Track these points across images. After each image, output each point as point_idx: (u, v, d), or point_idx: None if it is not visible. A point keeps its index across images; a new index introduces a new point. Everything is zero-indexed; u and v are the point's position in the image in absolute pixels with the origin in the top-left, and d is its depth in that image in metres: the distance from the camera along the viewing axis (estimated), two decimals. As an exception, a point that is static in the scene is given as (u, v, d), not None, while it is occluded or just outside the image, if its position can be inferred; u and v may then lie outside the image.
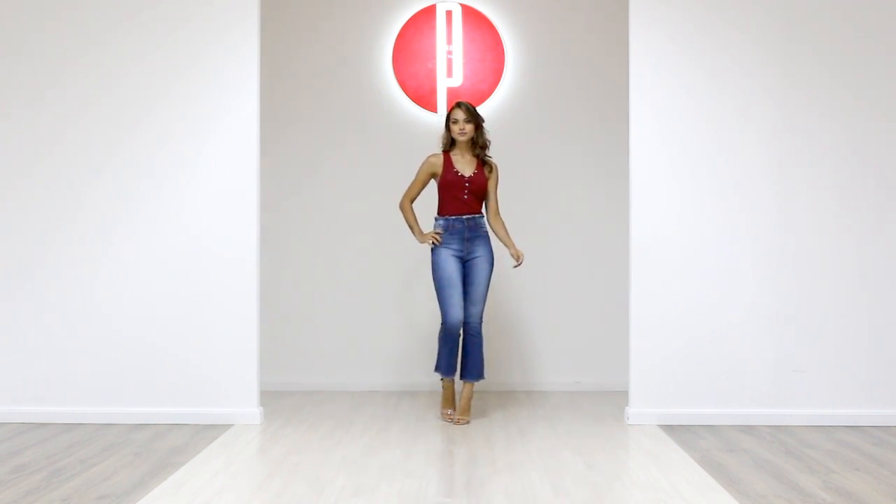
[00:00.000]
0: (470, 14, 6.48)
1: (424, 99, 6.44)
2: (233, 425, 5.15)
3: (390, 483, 4.01)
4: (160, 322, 5.21)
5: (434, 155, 5.39)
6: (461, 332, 5.34)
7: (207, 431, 4.99)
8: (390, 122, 6.48)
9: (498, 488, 3.92)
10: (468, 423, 5.26)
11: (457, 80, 6.42)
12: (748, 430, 5.09)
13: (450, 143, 5.41)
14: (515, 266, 5.40)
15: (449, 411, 5.38)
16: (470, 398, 5.39)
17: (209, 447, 4.65)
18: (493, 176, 5.43)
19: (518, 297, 6.48)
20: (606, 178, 6.39)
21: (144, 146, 5.24)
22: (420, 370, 6.35)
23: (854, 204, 5.27)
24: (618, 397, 5.95)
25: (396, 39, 6.47)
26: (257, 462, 4.49)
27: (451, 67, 6.44)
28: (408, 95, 6.46)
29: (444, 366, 5.42)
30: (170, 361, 5.23)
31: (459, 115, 5.34)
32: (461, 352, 5.42)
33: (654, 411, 5.24)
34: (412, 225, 5.40)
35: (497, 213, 5.46)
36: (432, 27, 6.46)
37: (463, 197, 5.34)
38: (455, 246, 5.33)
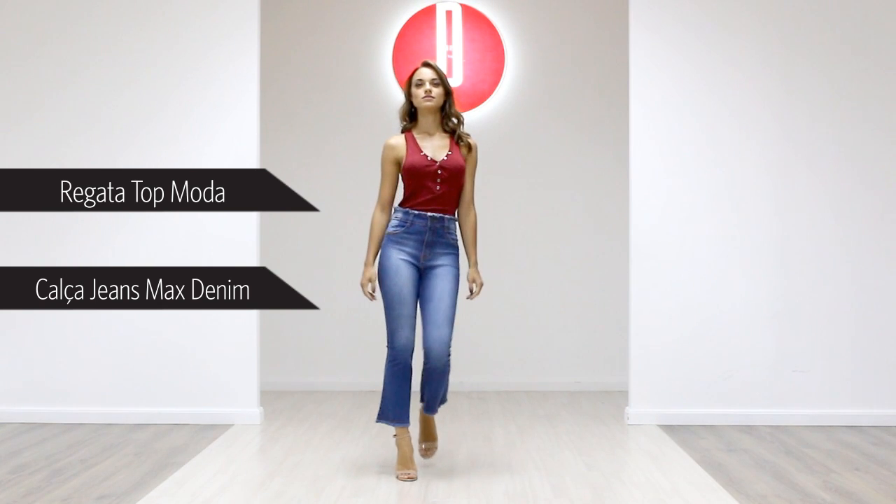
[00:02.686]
0: (470, 14, 6.48)
1: (424, 99, 6.44)
2: (233, 425, 5.15)
3: (390, 483, 4.01)
4: (160, 322, 5.22)
5: (392, 137, 4.23)
6: (412, 365, 4.18)
7: (207, 431, 4.99)
8: (390, 121, 6.45)
9: (498, 488, 3.92)
10: (433, 453, 4.37)
11: (457, 80, 6.42)
12: (748, 430, 5.09)
13: (409, 118, 4.24)
14: (469, 297, 4.24)
15: (409, 472, 4.09)
16: (428, 420, 4.35)
17: (209, 447, 4.65)
18: (472, 158, 4.22)
19: (518, 296, 6.48)
20: (606, 177, 6.39)
21: (148, 149, 5.26)
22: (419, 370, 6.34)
23: (852, 206, 5.28)
24: (618, 397, 5.95)
25: (396, 39, 6.47)
26: (257, 462, 4.49)
27: (451, 67, 6.43)
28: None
29: (392, 410, 4.15)
30: (170, 361, 5.24)
31: (426, 73, 4.15)
32: (421, 379, 4.20)
33: (654, 411, 5.24)
34: (368, 251, 4.17)
35: (471, 204, 4.25)
36: (432, 27, 6.46)
37: (434, 188, 4.12)
38: (409, 250, 4.12)
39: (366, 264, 4.17)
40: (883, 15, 5.29)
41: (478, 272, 4.24)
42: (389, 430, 5.06)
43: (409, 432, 4.18)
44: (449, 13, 6.47)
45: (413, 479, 4.07)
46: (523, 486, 3.96)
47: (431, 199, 4.12)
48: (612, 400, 5.95)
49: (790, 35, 5.29)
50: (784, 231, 5.28)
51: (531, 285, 6.47)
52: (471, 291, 4.22)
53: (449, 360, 4.12)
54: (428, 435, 4.37)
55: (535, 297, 6.49)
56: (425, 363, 4.12)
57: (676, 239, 5.28)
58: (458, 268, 4.18)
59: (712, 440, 4.86)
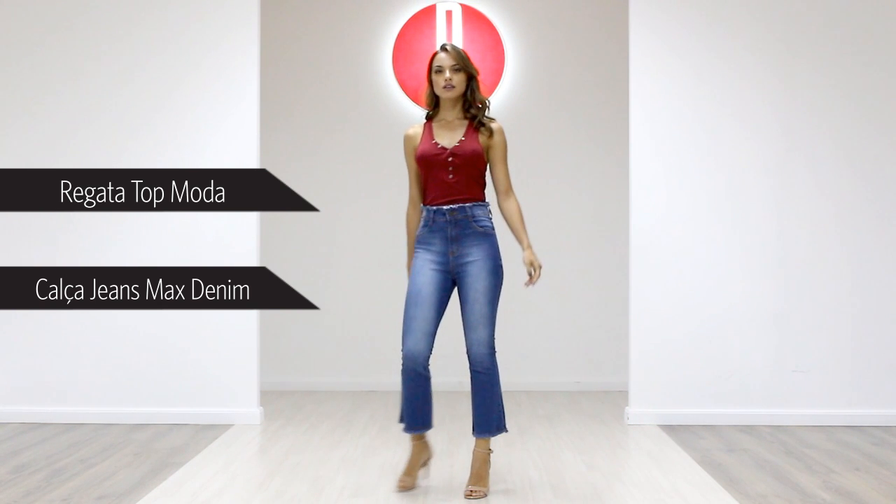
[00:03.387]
0: (470, 14, 6.48)
1: (424, 99, 6.44)
2: (233, 425, 5.15)
3: (390, 483, 4.01)
4: (160, 322, 5.22)
5: (410, 127, 4.03)
6: (427, 371, 3.82)
7: (207, 431, 4.99)
8: (390, 122, 6.47)
9: (498, 488, 3.92)
10: (485, 495, 3.80)
11: (457, 80, 6.41)
12: (748, 430, 5.09)
13: (434, 105, 3.98)
14: (528, 284, 3.85)
15: (406, 481, 3.89)
16: (484, 461, 3.87)
17: (209, 447, 4.65)
18: (496, 143, 3.92)
19: (518, 296, 6.47)
20: (606, 177, 6.39)
21: (148, 149, 5.27)
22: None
23: (852, 206, 5.28)
24: (618, 397, 5.95)
25: (396, 39, 6.47)
26: (257, 462, 4.49)
27: (451, 67, 6.42)
28: (408, 95, 6.45)
29: (405, 416, 3.90)
30: (170, 361, 5.24)
31: (445, 60, 3.86)
32: (470, 396, 3.93)
33: (654, 411, 5.25)
34: (407, 251, 4.01)
35: (508, 192, 3.94)
36: (432, 27, 6.46)
37: (446, 177, 3.84)
38: (436, 248, 3.86)
39: (407, 268, 3.97)
40: (883, 15, 5.29)
41: (534, 254, 3.86)
42: (390, 428, 5.08)
43: (423, 439, 3.93)
44: (449, 13, 6.47)
45: (408, 488, 3.87)
46: (523, 486, 3.96)
47: (447, 190, 3.84)
48: (612, 400, 5.95)
49: (790, 35, 5.29)
50: (784, 231, 5.28)
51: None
52: (530, 276, 3.83)
53: (494, 363, 3.83)
54: (477, 478, 3.83)
55: (535, 296, 6.48)
56: (470, 369, 3.86)
57: (676, 239, 5.28)
58: (493, 257, 3.86)
59: (712, 440, 4.86)
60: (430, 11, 6.48)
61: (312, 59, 6.52)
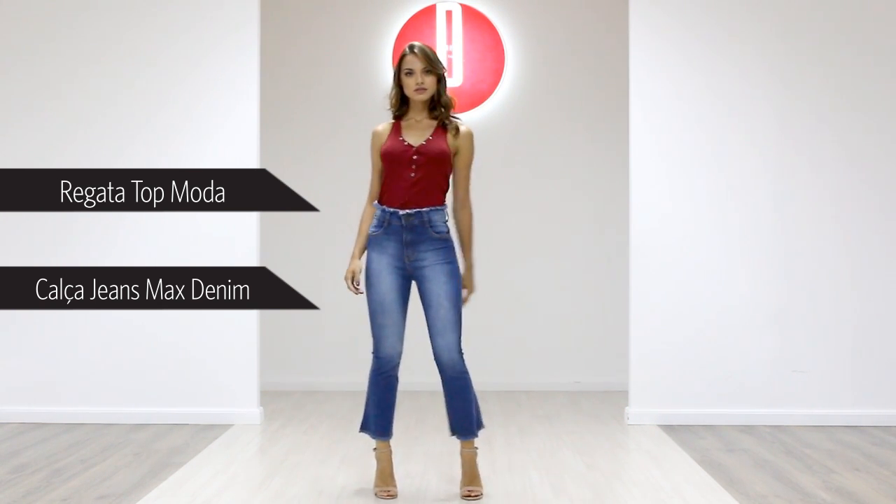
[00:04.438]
0: (470, 14, 6.48)
1: (424, 99, 6.44)
2: (233, 425, 5.15)
3: (390, 483, 4.01)
4: (160, 322, 5.22)
5: (380, 124, 3.97)
6: (398, 375, 3.85)
7: (207, 431, 5.00)
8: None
9: (498, 488, 3.92)
10: (480, 496, 3.78)
11: (457, 80, 6.42)
12: (748, 430, 5.09)
13: (400, 105, 3.91)
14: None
15: (389, 489, 3.82)
16: (474, 460, 3.84)
17: (209, 447, 4.66)
18: (462, 146, 3.80)
19: (518, 296, 6.48)
20: (606, 177, 6.39)
21: (148, 149, 5.27)
22: (419, 370, 6.35)
23: (853, 206, 5.28)
24: (618, 397, 5.95)
25: (396, 39, 6.47)
26: (257, 462, 4.50)
27: (451, 67, 6.43)
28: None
29: (374, 422, 3.86)
30: (170, 361, 5.25)
31: (415, 63, 3.76)
32: (444, 401, 3.86)
33: (654, 411, 5.25)
34: (355, 243, 3.88)
35: (465, 202, 3.85)
36: (432, 27, 6.46)
37: (408, 176, 3.75)
38: (391, 251, 3.77)
39: (351, 257, 3.86)
40: (885, 14, 5.29)
41: (471, 277, 3.87)
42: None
43: (389, 446, 3.87)
44: (449, 13, 6.47)
45: (393, 496, 3.79)
46: (523, 486, 3.96)
47: (407, 188, 3.73)
48: (612, 400, 5.95)
49: (791, 34, 5.29)
50: (785, 231, 5.28)
51: (531, 285, 6.47)
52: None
53: (465, 366, 3.77)
54: (471, 478, 3.81)
55: (535, 296, 6.49)
56: (440, 375, 3.80)
57: (677, 239, 5.28)
58: (450, 262, 3.76)
59: (712, 440, 4.86)
60: (430, 11, 6.48)
61: (312, 59, 6.52)
